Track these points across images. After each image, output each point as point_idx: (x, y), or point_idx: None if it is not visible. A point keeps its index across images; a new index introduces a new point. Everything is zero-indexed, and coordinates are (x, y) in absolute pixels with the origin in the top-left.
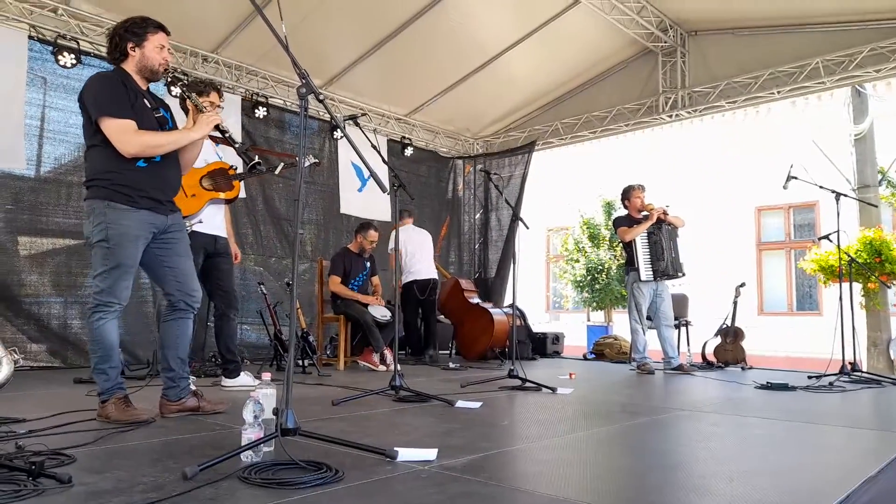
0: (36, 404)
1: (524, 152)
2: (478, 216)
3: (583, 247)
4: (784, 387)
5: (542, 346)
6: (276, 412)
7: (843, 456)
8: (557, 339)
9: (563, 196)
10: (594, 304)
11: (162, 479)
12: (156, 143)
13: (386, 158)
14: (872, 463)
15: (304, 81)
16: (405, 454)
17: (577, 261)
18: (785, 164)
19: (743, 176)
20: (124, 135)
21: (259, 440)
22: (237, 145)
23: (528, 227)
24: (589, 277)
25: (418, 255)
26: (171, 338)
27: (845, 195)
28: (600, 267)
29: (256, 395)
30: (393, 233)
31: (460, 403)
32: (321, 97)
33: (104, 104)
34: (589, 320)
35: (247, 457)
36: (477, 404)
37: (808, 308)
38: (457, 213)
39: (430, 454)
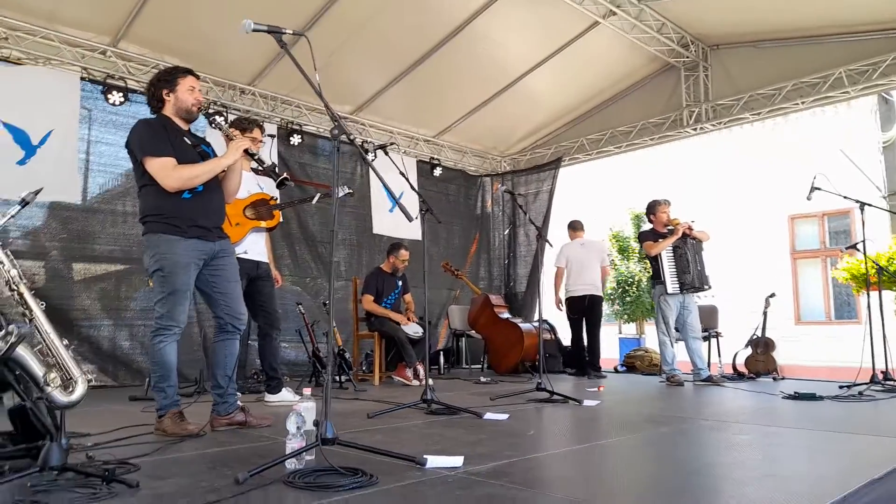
0: (97, 420)
1: (551, 168)
2: (506, 232)
3: (612, 260)
4: (812, 397)
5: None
6: (316, 423)
7: (855, 461)
8: None
9: (592, 210)
10: (626, 316)
11: (217, 483)
12: (192, 174)
13: (415, 179)
14: (881, 468)
15: (336, 123)
16: (434, 461)
17: (608, 274)
18: (815, 172)
19: (774, 185)
20: (164, 170)
21: (302, 448)
22: (265, 165)
23: (551, 245)
24: (620, 290)
25: (577, 271)
26: (220, 357)
27: (870, 204)
28: (630, 279)
29: (298, 408)
30: (560, 249)
31: (488, 415)
32: (352, 138)
33: (146, 146)
34: (621, 333)
35: (291, 464)
36: (504, 416)
37: (847, 316)
38: (486, 230)
39: (457, 461)
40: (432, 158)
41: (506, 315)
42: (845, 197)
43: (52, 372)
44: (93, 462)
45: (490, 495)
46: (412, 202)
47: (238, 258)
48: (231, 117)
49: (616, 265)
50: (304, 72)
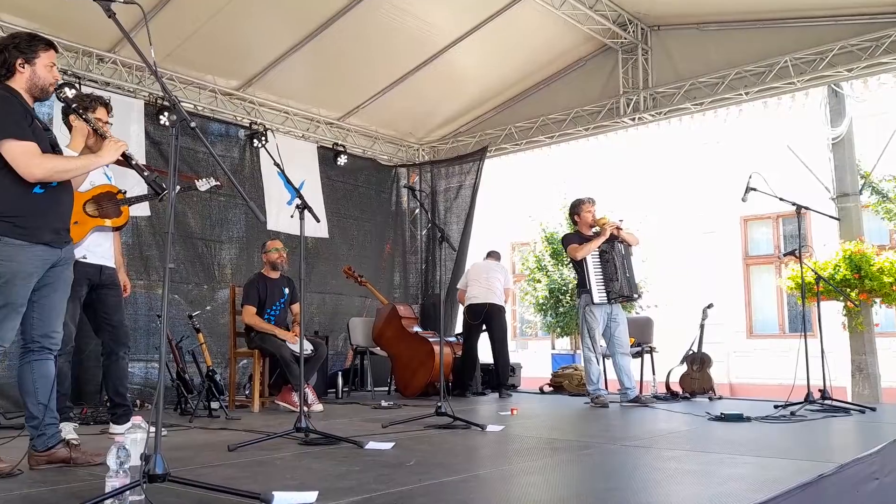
0: None
1: (475, 160)
2: (424, 232)
3: (544, 265)
4: (738, 418)
5: (496, 378)
6: (143, 458)
7: (741, 485)
8: (513, 370)
9: (526, 207)
10: (558, 329)
11: None
12: (64, 167)
13: (317, 168)
14: (767, 493)
15: (174, 107)
16: (282, 498)
17: (539, 281)
18: (765, 169)
19: (726, 183)
20: (28, 157)
21: (121, 488)
22: (145, 175)
23: (454, 249)
24: (552, 300)
25: (479, 280)
26: (28, 383)
27: (807, 208)
28: (564, 287)
29: (122, 441)
30: (466, 271)
31: (371, 445)
32: (192, 124)
33: (5, 125)
34: (554, 348)
35: None
36: (389, 445)
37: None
38: (401, 229)
39: (311, 497)
40: (336, 144)
41: (416, 328)
42: (781, 199)
43: None
44: None
45: None
46: (317, 200)
47: (77, 262)
48: (86, 90)
49: (548, 271)
50: (138, 47)
